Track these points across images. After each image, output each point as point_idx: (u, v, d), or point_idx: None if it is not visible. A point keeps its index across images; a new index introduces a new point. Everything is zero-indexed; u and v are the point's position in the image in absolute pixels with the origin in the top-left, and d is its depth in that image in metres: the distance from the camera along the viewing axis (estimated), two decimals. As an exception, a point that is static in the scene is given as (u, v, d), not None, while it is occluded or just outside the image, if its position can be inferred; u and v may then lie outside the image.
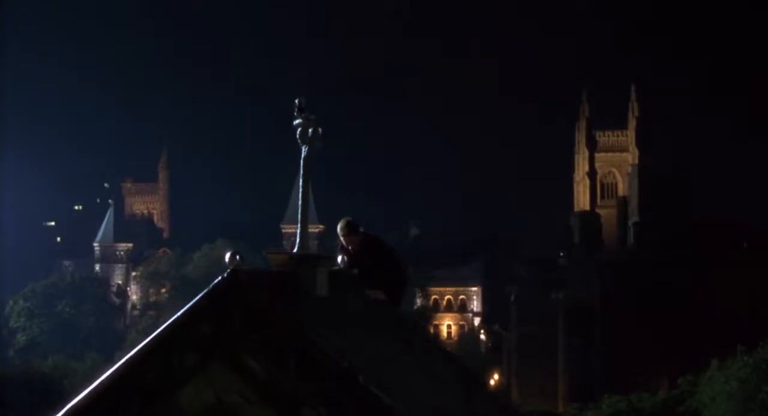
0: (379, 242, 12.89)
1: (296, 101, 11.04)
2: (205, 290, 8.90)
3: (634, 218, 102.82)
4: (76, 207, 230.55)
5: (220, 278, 8.88)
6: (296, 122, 11.12)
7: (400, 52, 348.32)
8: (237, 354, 8.80)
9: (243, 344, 8.80)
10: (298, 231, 11.04)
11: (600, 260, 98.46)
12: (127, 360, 9.00)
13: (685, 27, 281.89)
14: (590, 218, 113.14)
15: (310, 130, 11.16)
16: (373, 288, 12.27)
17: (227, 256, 9.01)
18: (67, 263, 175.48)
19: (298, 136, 11.17)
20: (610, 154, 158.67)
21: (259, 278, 9.46)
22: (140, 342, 8.95)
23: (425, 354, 11.95)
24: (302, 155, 11.15)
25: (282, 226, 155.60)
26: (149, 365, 9.05)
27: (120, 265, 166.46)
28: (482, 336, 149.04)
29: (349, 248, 12.78)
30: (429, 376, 10.97)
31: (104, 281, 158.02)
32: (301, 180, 11.12)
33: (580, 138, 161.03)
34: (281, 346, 8.74)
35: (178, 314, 9.07)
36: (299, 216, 11.14)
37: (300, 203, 11.10)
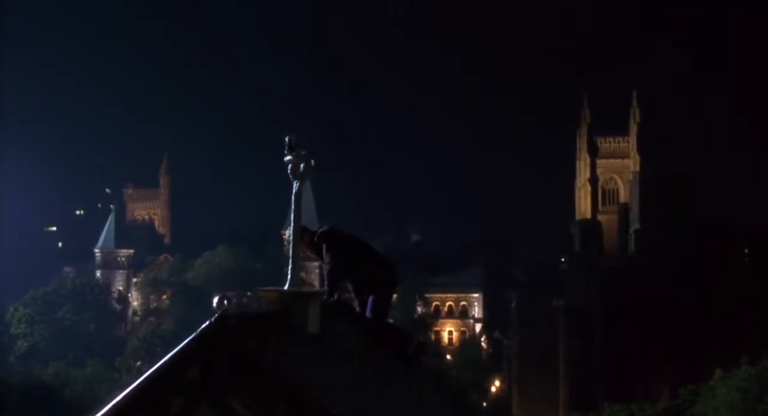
0: (325, 237, 12.27)
1: (287, 139, 11.00)
2: (193, 335, 8.82)
3: (635, 225, 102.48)
4: (78, 212, 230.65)
5: (207, 322, 8.81)
6: (287, 158, 11.08)
7: (402, 55, 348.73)
8: (225, 398, 8.73)
9: (231, 389, 8.73)
10: (290, 267, 10.96)
11: (601, 268, 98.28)
12: (115, 403, 8.91)
13: (689, 33, 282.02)
14: (591, 225, 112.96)
15: (301, 165, 11.11)
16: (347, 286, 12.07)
17: (215, 300, 8.93)
18: (68, 269, 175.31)
19: (289, 171, 11.12)
20: (611, 160, 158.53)
21: (248, 321, 9.39)
22: (129, 388, 8.87)
23: (419, 390, 11.85)
24: (293, 191, 11.09)
25: (283, 232, 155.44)
26: (138, 408, 8.95)
27: (121, 271, 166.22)
28: (483, 343, 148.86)
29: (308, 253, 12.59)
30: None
31: (105, 287, 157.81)
32: (292, 215, 11.05)
33: (582, 144, 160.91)
34: (270, 392, 8.67)
35: (166, 357, 9.00)
36: (291, 251, 11.06)
37: (291, 237, 11.04)
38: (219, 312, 8.87)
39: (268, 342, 9.27)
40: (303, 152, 11.06)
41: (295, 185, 11.11)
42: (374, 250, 12.69)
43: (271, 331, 9.58)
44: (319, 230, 12.21)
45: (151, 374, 9.00)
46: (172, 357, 8.91)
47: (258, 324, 9.53)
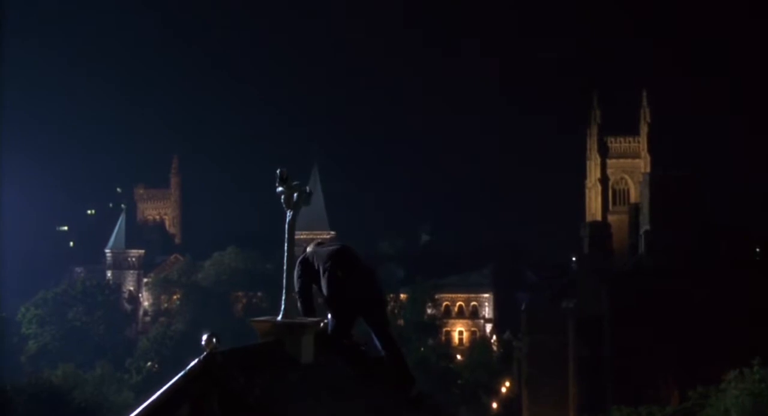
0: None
1: (278, 172, 10.95)
2: (182, 373, 8.78)
3: (645, 226, 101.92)
4: (89, 212, 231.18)
5: (196, 361, 8.77)
6: (279, 190, 11.03)
7: (417, 59, 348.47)
8: (214, 437, 8.69)
9: (220, 428, 8.68)
10: (283, 297, 10.90)
11: (610, 270, 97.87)
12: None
13: (699, 32, 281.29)
14: (600, 228, 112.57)
15: (294, 195, 11.06)
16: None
17: (203, 338, 8.89)
18: (78, 269, 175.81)
19: (282, 201, 11.07)
20: (621, 160, 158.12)
21: (237, 357, 9.33)
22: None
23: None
24: (287, 220, 11.04)
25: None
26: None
27: (132, 271, 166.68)
28: (494, 343, 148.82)
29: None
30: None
31: (116, 287, 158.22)
32: (286, 245, 10.99)
33: (592, 144, 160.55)
34: (259, 431, 8.63)
35: (155, 395, 8.97)
36: (284, 281, 10.99)
37: (285, 267, 10.96)
38: (208, 350, 8.82)
39: (257, 377, 9.23)
40: (295, 183, 11.01)
41: (289, 215, 11.06)
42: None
43: (260, 366, 9.53)
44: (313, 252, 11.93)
45: (141, 412, 8.98)
46: (161, 395, 8.88)
47: (247, 360, 9.47)
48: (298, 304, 11.38)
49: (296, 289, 11.45)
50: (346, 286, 11.27)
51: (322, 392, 10.36)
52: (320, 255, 11.64)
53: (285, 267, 11.10)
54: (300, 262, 11.71)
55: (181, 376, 8.60)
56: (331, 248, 11.77)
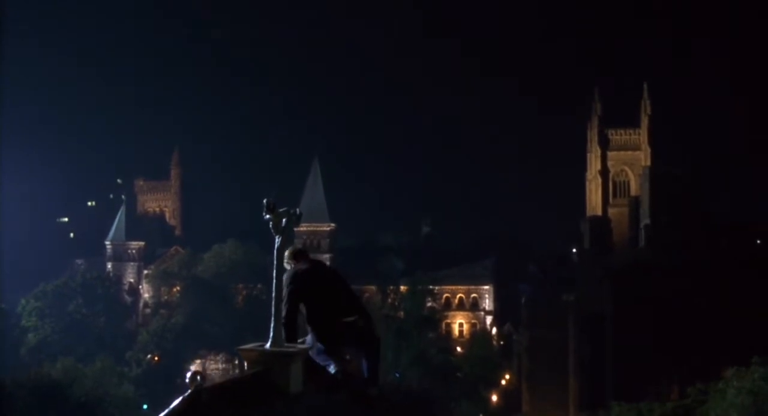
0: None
1: (264, 202, 10.79)
2: (166, 412, 8.61)
3: (645, 219, 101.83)
4: (89, 203, 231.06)
5: (180, 399, 8.60)
6: (266, 217, 10.86)
7: (416, 51, 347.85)
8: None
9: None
10: (272, 325, 10.72)
11: (610, 266, 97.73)
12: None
13: (700, 24, 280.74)
14: (600, 222, 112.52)
15: (283, 220, 10.89)
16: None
17: (188, 376, 8.75)
18: (79, 261, 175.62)
19: (270, 227, 10.91)
20: (622, 152, 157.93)
21: (223, 393, 9.16)
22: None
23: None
24: (276, 246, 10.87)
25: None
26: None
27: (132, 263, 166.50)
28: (494, 336, 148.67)
29: None
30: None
31: (116, 279, 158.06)
32: (274, 271, 10.81)
33: (592, 136, 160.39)
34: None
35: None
36: (272, 310, 10.81)
37: (273, 298, 10.79)
38: (192, 388, 8.66)
39: (241, 412, 9.08)
40: (282, 210, 10.84)
41: (277, 240, 10.88)
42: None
43: (246, 401, 9.37)
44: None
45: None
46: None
47: (233, 395, 9.31)
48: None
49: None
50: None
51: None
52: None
53: (273, 294, 10.91)
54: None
55: (166, 414, 8.41)
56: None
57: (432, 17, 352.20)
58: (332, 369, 11.24)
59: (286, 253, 11.69)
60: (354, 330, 11.37)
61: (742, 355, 62.66)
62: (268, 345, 10.69)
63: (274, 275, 10.93)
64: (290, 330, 11.07)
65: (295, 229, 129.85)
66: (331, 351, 11.23)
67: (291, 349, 10.67)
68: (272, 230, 10.86)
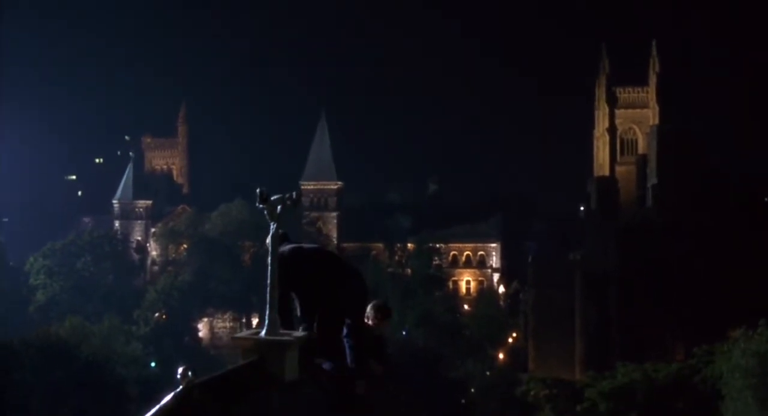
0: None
1: (257, 192, 10.64)
2: (156, 408, 8.52)
3: (652, 179, 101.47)
4: (97, 160, 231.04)
5: (171, 396, 8.51)
6: (260, 207, 10.73)
7: (422, 21, 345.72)
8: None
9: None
10: (267, 313, 10.62)
11: (617, 227, 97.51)
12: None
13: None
14: (607, 183, 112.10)
15: (278, 207, 10.75)
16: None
17: (179, 372, 8.64)
18: (86, 220, 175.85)
19: (266, 215, 10.78)
20: (630, 110, 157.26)
21: (213, 389, 9.06)
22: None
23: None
24: (270, 233, 10.73)
25: (301, 183, 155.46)
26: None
27: (139, 222, 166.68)
28: (501, 294, 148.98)
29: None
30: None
31: (123, 238, 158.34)
32: (270, 258, 10.68)
33: (600, 94, 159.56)
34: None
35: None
36: (268, 297, 10.69)
37: (269, 285, 10.65)
38: (183, 385, 8.57)
39: (236, 409, 9.02)
40: (274, 198, 10.69)
41: (272, 227, 10.75)
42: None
43: (240, 394, 9.30)
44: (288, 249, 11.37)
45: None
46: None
47: (226, 389, 9.23)
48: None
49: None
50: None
51: (308, 412, 10.16)
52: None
53: (269, 281, 10.78)
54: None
55: (156, 412, 8.34)
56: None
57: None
58: (326, 366, 11.17)
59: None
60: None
61: (748, 316, 62.67)
62: (263, 333, 10.59)
63: (269, 261, 10.80)
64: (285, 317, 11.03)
65: (303, 188, 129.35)
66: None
67: (287, 337, 10.58)
68: (267, 217, 10.74)
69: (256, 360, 10.29)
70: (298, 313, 11.24)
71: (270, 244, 10.80)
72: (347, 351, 11.03)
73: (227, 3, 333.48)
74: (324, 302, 11.10)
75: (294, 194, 11.05)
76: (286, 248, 11.26)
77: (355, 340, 11.07)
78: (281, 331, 10.68)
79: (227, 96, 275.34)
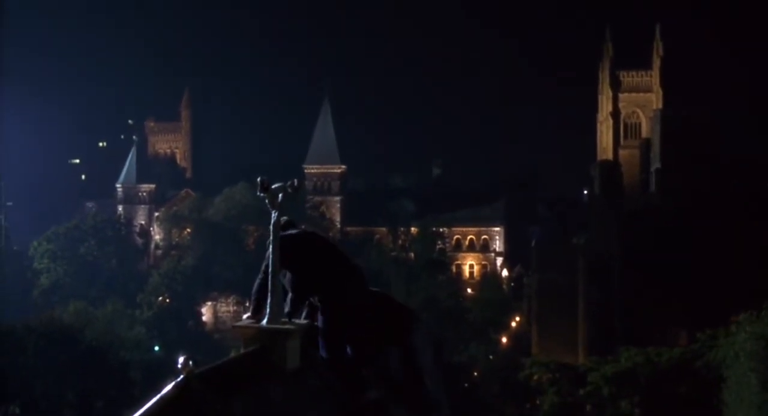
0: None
1: (258, 181, 10.56)
2: (155, 399, 8.44)
3: (656, 163, 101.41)
4: (100, 144, 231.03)
5: (171, 386, 8.44)
6: (261, 195, 10.66)
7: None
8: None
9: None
10: (268, 301, 10.53)
11: (620, 211, 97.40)
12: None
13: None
14: (611, 167, 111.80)
15: (280, 195, 10.67)
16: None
17: (180, 361, 8.57)
18: (90, 204, 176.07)
19: (267, 203, 10.70)
20: (633, 94, 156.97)
21: (213, 379, 8.98)
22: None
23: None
24: (272, 221, 10.65)
25: (305, 167, 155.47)
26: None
27: (143, 206, 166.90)
28: (504, 278, 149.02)
29: None
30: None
31: (127, 222, 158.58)
32: (270, 246, 10.60)
33: (604, 78, 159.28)
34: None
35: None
36: (269, 286, 10.60)
37: (270, 273, 10.56)
38: (183, 375, 8.50)
39: (237, 399, 8.96)
40: (275, 186, 10.61)
41: (274, 215, 10.66)
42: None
43: (241, 384, 9.24)
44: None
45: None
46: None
47: (227, 379, 9.17)
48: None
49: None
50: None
51: (306, 405, 10.09)
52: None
53: (270, 268, 10.72)
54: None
55: (155, 403, 8.28)
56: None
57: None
58: (323, 353, 11.09)
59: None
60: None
61: (753, 301, 62.53)
62: (264, 322, 10.53)
63: (270, 250, 10.72)
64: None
65: (306, 171, 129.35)
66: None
67: (289, 326, 10.52)
68: (268, 205, 10.66)
69: (258, 348, 10.24)
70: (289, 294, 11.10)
71: (272, 231, 10.73)
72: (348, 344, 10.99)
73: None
74: (327, 292, 10.99)
75: (295, 181, 10.97)
76: (292, 232, 11.16)
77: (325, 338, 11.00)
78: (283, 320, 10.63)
79: (230, 80, 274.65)
